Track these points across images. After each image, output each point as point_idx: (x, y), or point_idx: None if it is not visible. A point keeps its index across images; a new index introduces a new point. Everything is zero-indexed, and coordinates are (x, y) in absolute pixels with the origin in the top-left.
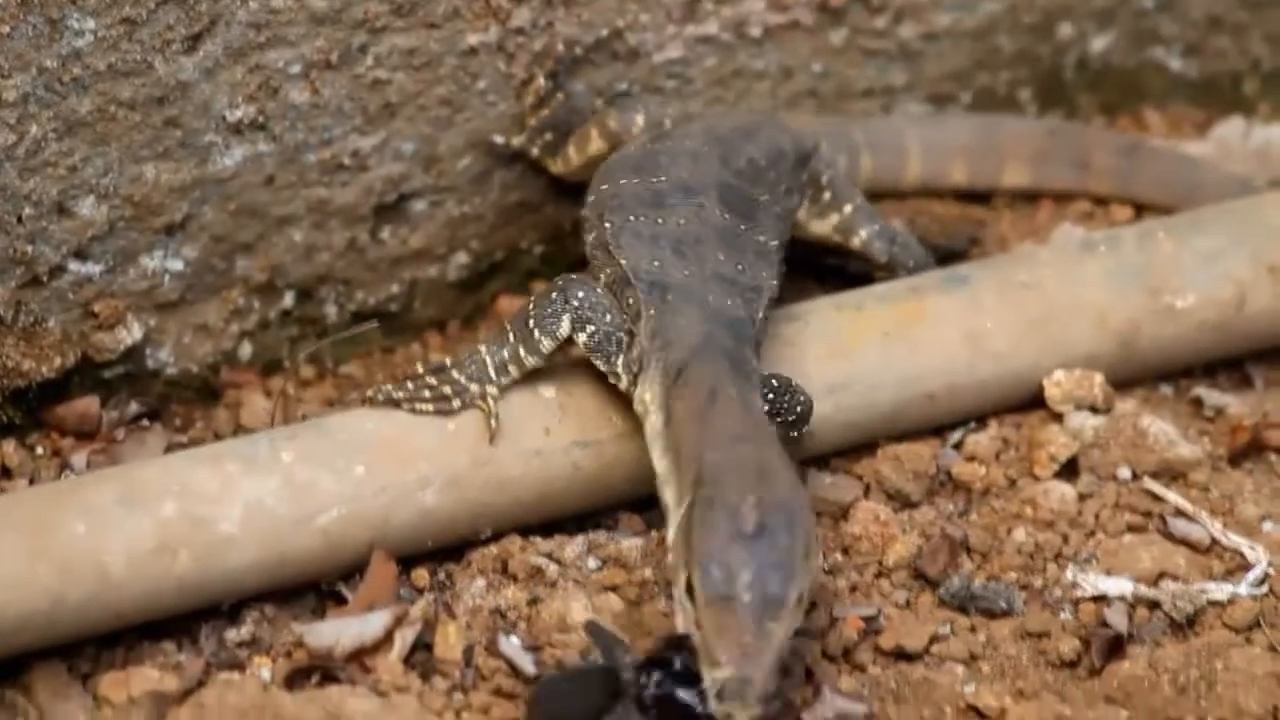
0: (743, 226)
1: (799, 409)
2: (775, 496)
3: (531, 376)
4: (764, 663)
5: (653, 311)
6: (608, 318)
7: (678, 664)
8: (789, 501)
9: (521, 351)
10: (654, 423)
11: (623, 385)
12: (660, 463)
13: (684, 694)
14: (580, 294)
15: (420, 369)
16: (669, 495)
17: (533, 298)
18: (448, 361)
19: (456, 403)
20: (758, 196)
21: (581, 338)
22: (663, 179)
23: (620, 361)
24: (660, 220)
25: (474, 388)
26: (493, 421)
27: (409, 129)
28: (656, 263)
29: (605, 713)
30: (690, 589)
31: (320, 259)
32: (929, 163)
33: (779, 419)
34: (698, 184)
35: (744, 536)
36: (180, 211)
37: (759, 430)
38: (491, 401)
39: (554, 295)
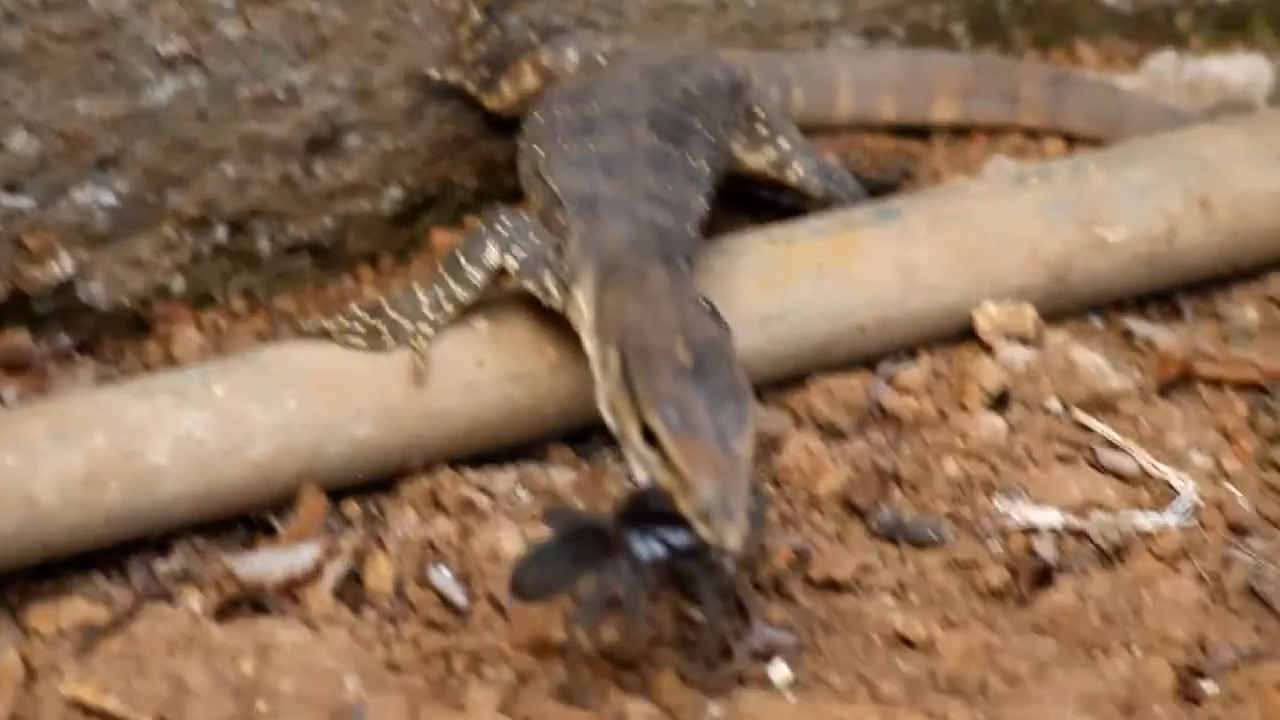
0: (673, 150)
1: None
2: (701, 335)
3: (465, 309)
4: (739, 480)
5: (582, 223)
6: (534, 238)
7: (653, 512)
8: (715, 337)
9: (454, 286)
10: (586, 318)
11: (556, 301)
12: (590, 345)
13: (673, 538)
14: (505, 219)
15: (355, 307)
16: (598, 369)
17: (464, 234)
18: (383, 300)
19: (389, 340)
20: (689, 123)
21: (510, 261)
22: (595, 107)
23: (550, 278)
24: (591, 145)
25: (407, 325)
26: (420, 363)
27: (342, 63)
28: (586, 182)
29: (596, 572)
30: (648, 435)
31: (253, 193)
32: (859, 97)
33: None
34: (630, 111)
35: (686, 371)
36: (112, 145)
37: (681, 293)
38: (424, 341)
39: (480, 226)
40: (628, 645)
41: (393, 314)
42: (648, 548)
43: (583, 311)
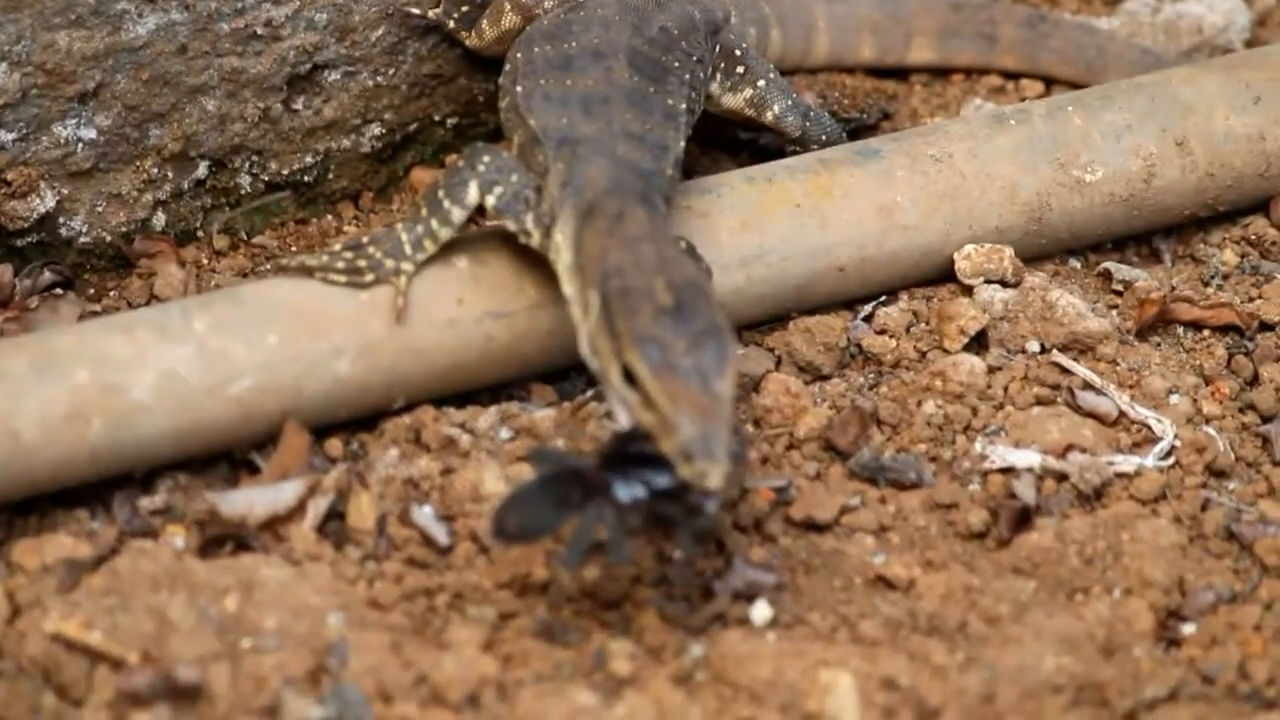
0: (651, 89)
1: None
2: (681, 276)
3: (446, 247)
4: (721, 418)
5: (561, 164)
6: (514, 177)
7: (635, 454)
8: (695, 278)
9: (435, 224)
10: (565, 259)
11: (535, 241)
12: (569, 288)
13: (655, 479)
14: (485, 158)
15: (336, 245)
16: (578, 311)
17: (443, 171)
18: (364, 239)
19: (370, 276)
20: (667, 62)
21: (490, 200)
22: (574, 44)
23: (530, 218)
24: (569, 82)
25: (389, 263)
26: (400, 300)
27: None
28: (565, 120)
29: (578, 514)
30: (629, 376)
31: (234, 129)
32: (837, 39)
33: None
34: (608, 49)
35: (666, 311)
36: (93, 80)
37: (661, 234)
38: (404, 279)
39: (461, 164)
40: (610, 585)
41: (373, 251)
42: (629, 490)
43: (561, 252)
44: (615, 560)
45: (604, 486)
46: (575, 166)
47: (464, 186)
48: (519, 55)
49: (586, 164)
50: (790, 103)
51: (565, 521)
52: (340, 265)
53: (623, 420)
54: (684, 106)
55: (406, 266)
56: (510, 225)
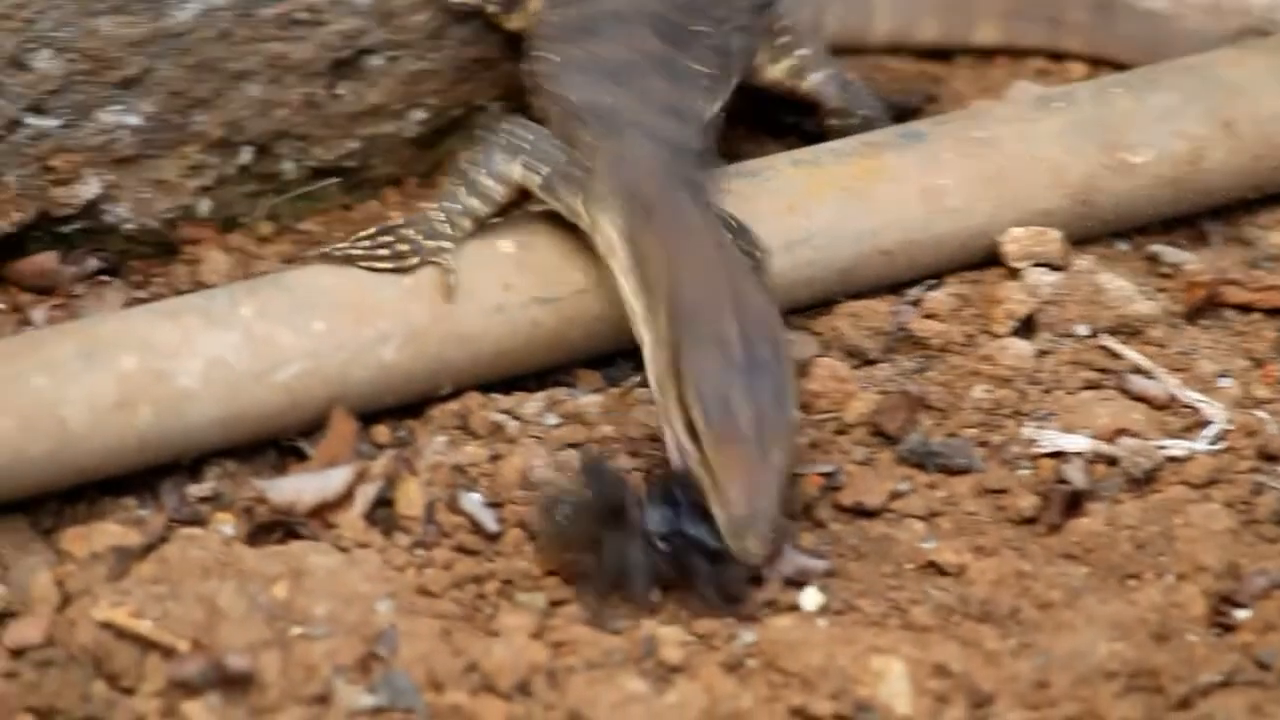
0: (680, 56)
1: (759, 253)
2: (756, 320)
3: (491, 231)
4: (772, 493)
5: (605, 144)
6: (560, 156)
7: (680, 498)
8: (770, 324)
9: (475, 202)
10: (621, 259)
11: (584, 223)
12: (634, 300)
13: (692, 529)
14: (511, 128)
15: (373, 231)
16: (646, 333)
17: (476, 145)
18: (399, 222)
19: (413, 260)
20: (694, 28)
21: (535, 179)
22: (596, 7)
23: (580, 200)
24: (595, 49)
25: (429, 244)
26: (450, 278)
27: None
28: (598, 92)
29: (608, 540)
30: (690, 428)
31: (277, 115)
32: (898, 17)
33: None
34: (631, 14)
35: (737, 369)
36: (137, 66)
37: (728, 256)
38: (448, 257)
39: (499, 138)
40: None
41: (412, 233)
42: (664, 531)
43: (614, 246)
44: (633, 593)
45: (639, 522)
46: (616, 145)
47: (490, 158)
48: (544, 21)
49: (628, 143)
50: (831, 72)
51: (596, 541)
52: (382, 252)
53: (676, 463)
54: (715, 73)
55: (447, 245)
56: (555, 204)
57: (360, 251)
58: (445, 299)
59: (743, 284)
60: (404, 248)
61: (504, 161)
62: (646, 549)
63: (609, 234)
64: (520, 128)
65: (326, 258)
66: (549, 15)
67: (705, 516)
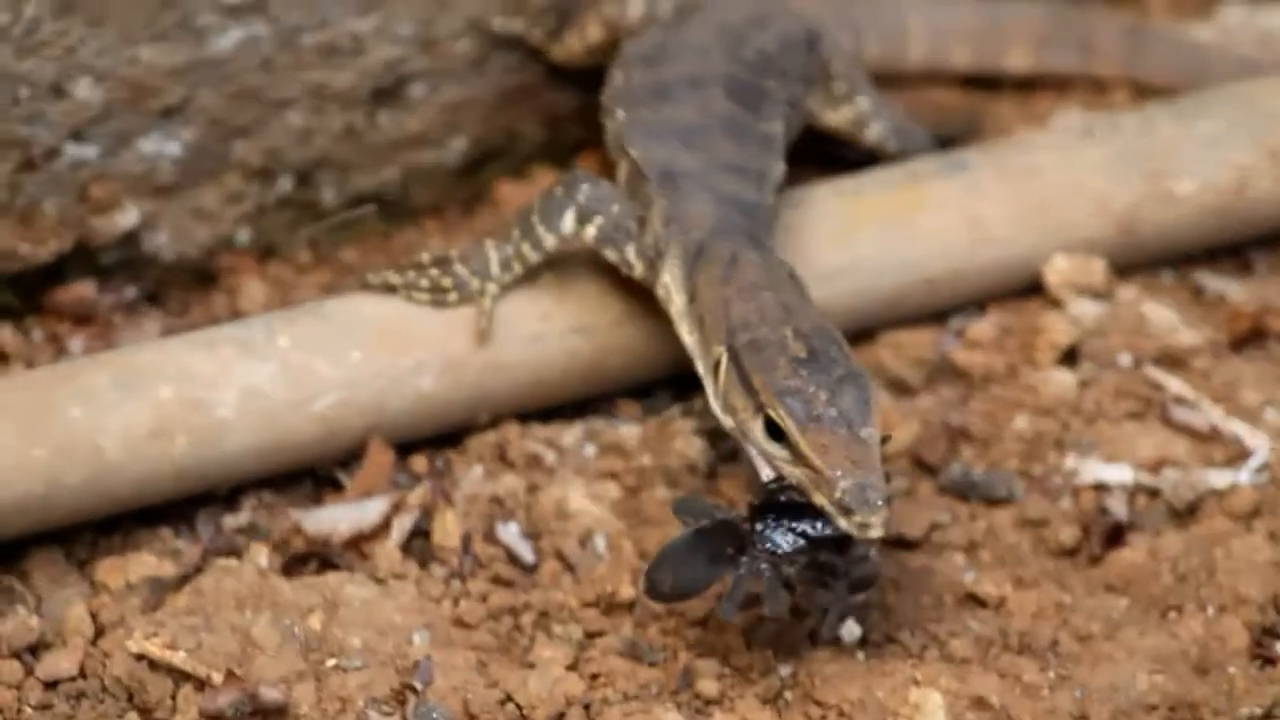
0: (749, 117)
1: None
2: (810, 324)
3: (533, 271)
4: (875, 464)
5: (665, 200)
6: (615, 208)
7: (778, 506)
8: (823, 324)
9: (525, 247)
10: (678, 304)
11: (637, 273)
12: (689, 338)
13: (808, 527)
14: (585, 187)
15: (424, 258)
16: (702, 365)
17: (540, 194)
18: (452, 253)
19: (454, 296)
20: (765, 86)
21: (590, 231)
22: (670, 71)
23: (632, 250)
24: (668, 111)
25: (474, 283)
26: (484, 322)
27: (406, 11)
28: (665, 153)
29: (731, 566)
30: (772, 429)
31: (317, 143)
32: (933, 44)
33: None
34: (705, 76)
35: (802, 362)
36: (177, 94)
37: (779, 279)
38: (489, 300)
39: (559, 190)
40: (697, 603)
41: (460, 269)
42: (787, 540)
43: (672, 296)
44: (774, 613)
45: (758, 538)
46: (679, 204)
47: (560, 213)
48: (618, 79)
49: (691, 200)
50: (890, 123)
51: (720, 577)
52: (425, 284)
53: (765, 474)
54: (780, 129)
55: (492, 288)
56: (611, 256)
57: (401, 281)
58: (478, 342)
59: (793, 300)
60: (447, 282)
61: (562, 212)
62: (771, 564)
63: (666, 283)
64: (583, 180)
65: (367, 285)
66: (627, 77)
67: (816, 515)
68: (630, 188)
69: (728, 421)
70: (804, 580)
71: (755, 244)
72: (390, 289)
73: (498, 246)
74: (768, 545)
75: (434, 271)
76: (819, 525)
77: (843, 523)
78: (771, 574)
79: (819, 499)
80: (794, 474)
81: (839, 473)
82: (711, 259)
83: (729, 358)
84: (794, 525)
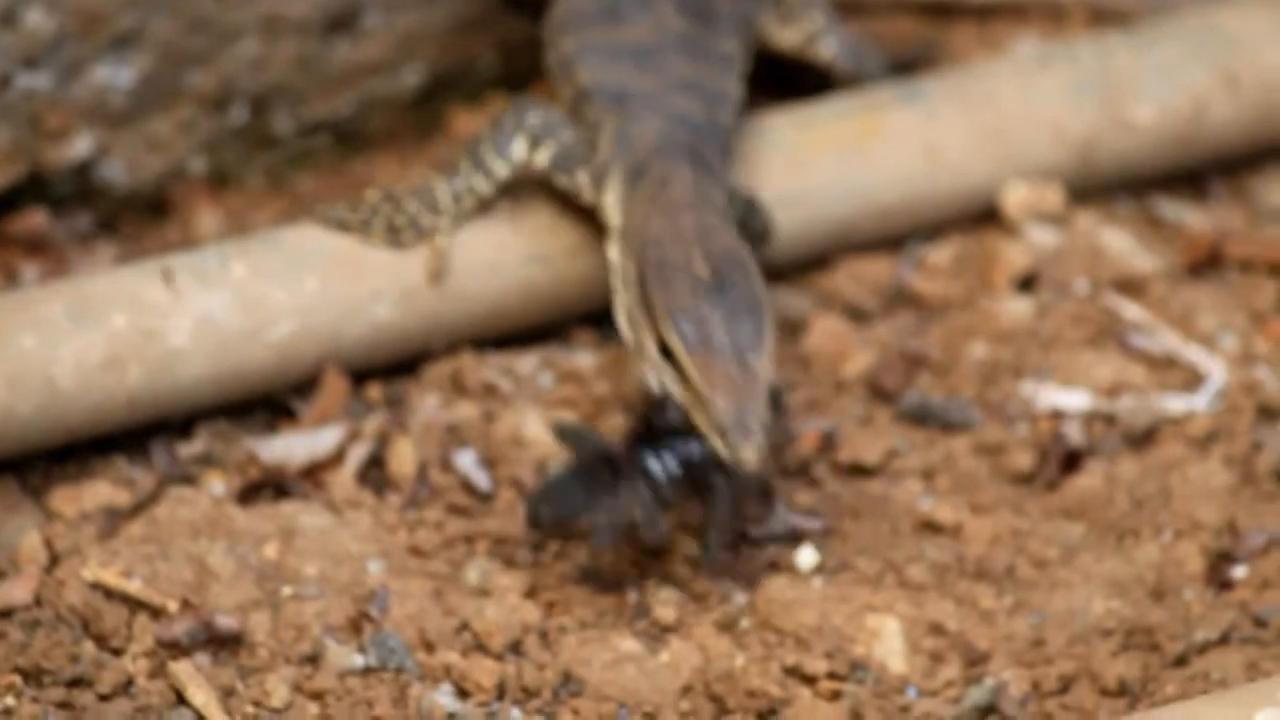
0: (703, 34)
1: (765, 227)
2: (724, 252)
3: (486, 203)
4: (759, 399)
5: (613, 121)
6: (566, 133)
7: (660, 429)
8: (735, 250)
9: (477, 179)
10: (614, 224)
11: (586, 198)
12: (614, 254)
13: (685, 448)
14: (535, 113)
15: (374, 195)
16: (616, 281)
17: (488, 123)
18: (403, 190)
19: (408, 235)
20: (717, 4)
21: (541, 157)
22: None
23: (584, 175)
24: (619, 33)
25: (426, 220)
26: (437, 262)
27: None
28: (615, 75)
29: (611, 494)
30: (665, 350)
31: (271, 72)
32: None
33: (747, 235)
34: None
35: (704, 286)
36: (129, 22)
37: (703, 201)
38: (442, 238)
39: (508, 118)
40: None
41: (411, 207)
42: (663, 465)
43: (610, 215)
44: (651, 536)
45: (635, 464)
46: (627, 125)
47: (510, 141)
48: (564, 4)
49: (639, 120)
50: (844, 42)
51: (599, 504)
52: (377, 224)
53: (656, 390)
54: (739, 48)
55: (445, 224)
56: (562, 182)
57: (355, 219)
58: (431, 283)
59: (712, 223)
60: (400, 221)
61: (516, 144)
62: (649, 488)
63: (607, 203)
64: (530, 106)
65: (321, 219)
66: (571, 2)
67: (687, 437)
68: (576, 113)
69: (627, 335)
70: (686, 500)
71: (698, 164)
72: (344, 227)
73: (448, 180)
74: (645, 470)
75: (386, 208)
76: (696, 449)
77: (719, 447)
78: (649, 499)
79: (699, 422)
80: (680, 394)
81: (719, 398)
82: (647, 178)
83: (636, 274)
84: (671, 450)
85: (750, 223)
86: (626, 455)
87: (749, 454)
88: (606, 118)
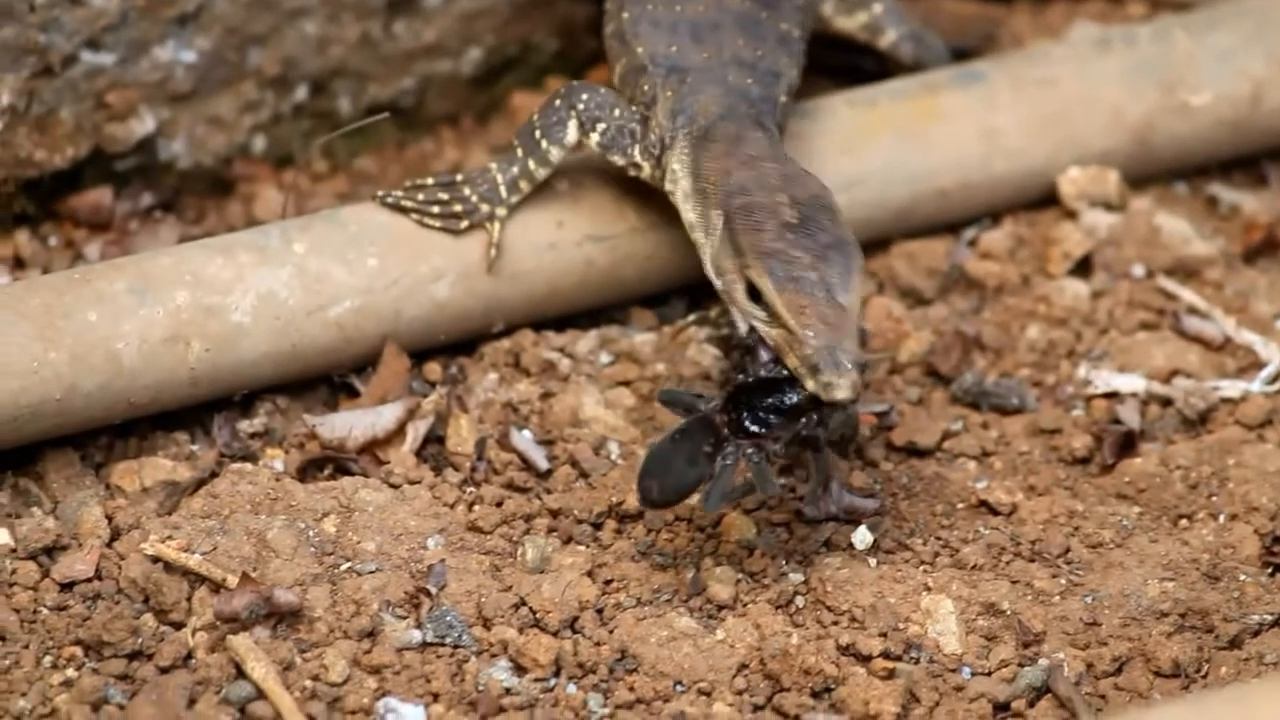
0: (763, 13)
1: None
2: (806, 192)
3: (540, 186)
4: (849, 330)
5: (670, 93)
6: (617, 112)
7: (755, 387)
8: (820, 194)
9: (531, 164)
10: (684, 186)
11: (645, 174)
12: (692, 215)
13: (774, 399)
14: (584, 96)
15: (430, 179)
16: (700, 234)
17: (539, 109)
18: (459, 176)
19: (464, 223)
20: None
21: (594, 138)
22: None
23: (638, 151)
24: (678, 8)
25: (484, 207)
26: (493, 252)
27: None
28: (674, 48)
29: (714, 459)
30: (753, 291)
31: (333, 52)
32: None
33: None
34: None
35: (791, 226)
36: (192, 2)
37: (781, 154)
38: (498, 225)
39: (557, 103)
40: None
41: (469, 193)
42: (765, 421)
43: (679, 180)
44: (768, 493)
45: (734, 425)
46: (685, 97)
47: (563, 125)
48: None
49: (697, 92)
50: (904, 28)
51: (706, 474)
52: (435, 210)
53: (745, 335)
54: (797, 31)
55: (501, 211)
56: (617, 160)
57: (414, 204)
58: (487, 270)
59: (795, 171)
60: (458, 208)
61: (564, 124)
62: (755, 447)
63: (674, 169)
64: (580, 89)
65: (381, 202)
66: None
67: (788, 386)
68: (629, 85)
69: (717, 283)
70: (790, 456)
71: (762, 128)
72: (403, 211)
73: (503, 168)
74: (745, 430)
75: (444, 196)
76: (791, 397)
77: (810, 383)
78: (758, 457)
79: (789, 360)
80: (771, 335)
81: (811, 333)
82: (717, 138)
83: (723, 221)
84: (768, 404)
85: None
86: (726, 416)
87: (842, 389)
88: (662, 91)
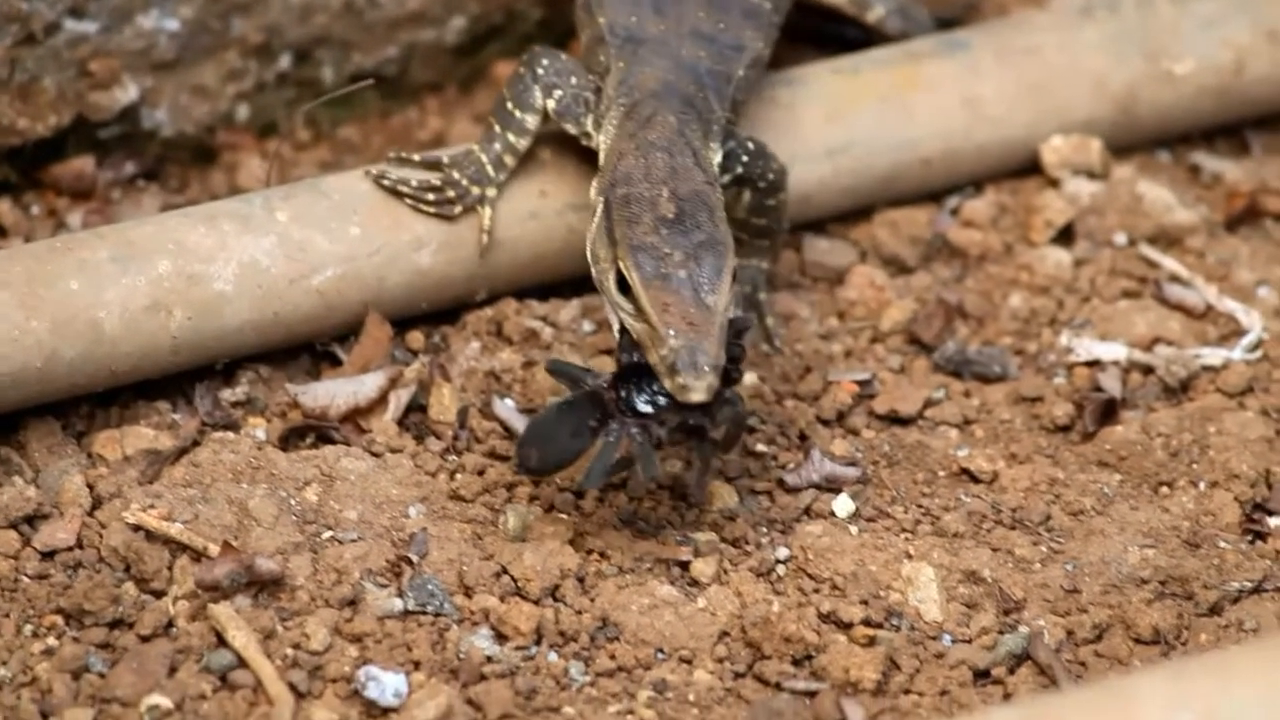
0: None
1: (771, 175)
2: (689, 188)
3: (523, 157)
4: (711, 332)
5: (622, 64)
6: (574, 80)
7: (646, 365)
8: (702, 191)
9: (511, 137)
10: (600, 161)
11: (595, 143)
12: (593, 190)
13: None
14: (544, 60)
15: (415, 155)
16: (591, 216)
17: (507, 80)
18: (444, 158)
19: (458, 208)
20: None
21: (550, 103)
22: None
23: (590, 121)
24: None
25: (475, 190)
26: (485, 238)
27: None
28: (634, 19)
29: (598, 435)
30: (623, 282)
31: (317, 21)
32: None
33: (751, 184)
34: None
35: (667, 222)
36: None
37: (681, 144)
38: (489, 209)
39: (521, 70)
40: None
41: (459, 176)
42: (653, 403)
43: (601, 153)
44: (648, 474)
45: (623, 404)
46: (633, 69)
47: (530, 92)
48: None
49: (645, 65)
50: (892, 3)
51: (587, 447)
52: (429, 196)
53: (614, 324)
54: (769, 4)
55: (491, 191)
56: (570, 128)
57: (407, 190)
58: (480, 253)
59: (685, 165)
60: (451, 193)
61: (530, 89)
62: (639, 427)
63: (600, 140)
64: (542, 54)
65: (376, 183)
66: None
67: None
68: (591, 55)
69: (593, 270)
70: (674, 442)
71: (687, 110)
72: (396, 195)
73: (485, 148)
74: (634, 409)
75: (435, 180)
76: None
77: (667, 382)
78: (642, 437)
79: (651, 356)
80: (636, 328)
81: (672, 332)
82: (634, 117)
83: (603, 207)
84: (658, 387)
85: (757, 169)
86: (614, 394)
87: (696, 391)
88: (615, 61)
